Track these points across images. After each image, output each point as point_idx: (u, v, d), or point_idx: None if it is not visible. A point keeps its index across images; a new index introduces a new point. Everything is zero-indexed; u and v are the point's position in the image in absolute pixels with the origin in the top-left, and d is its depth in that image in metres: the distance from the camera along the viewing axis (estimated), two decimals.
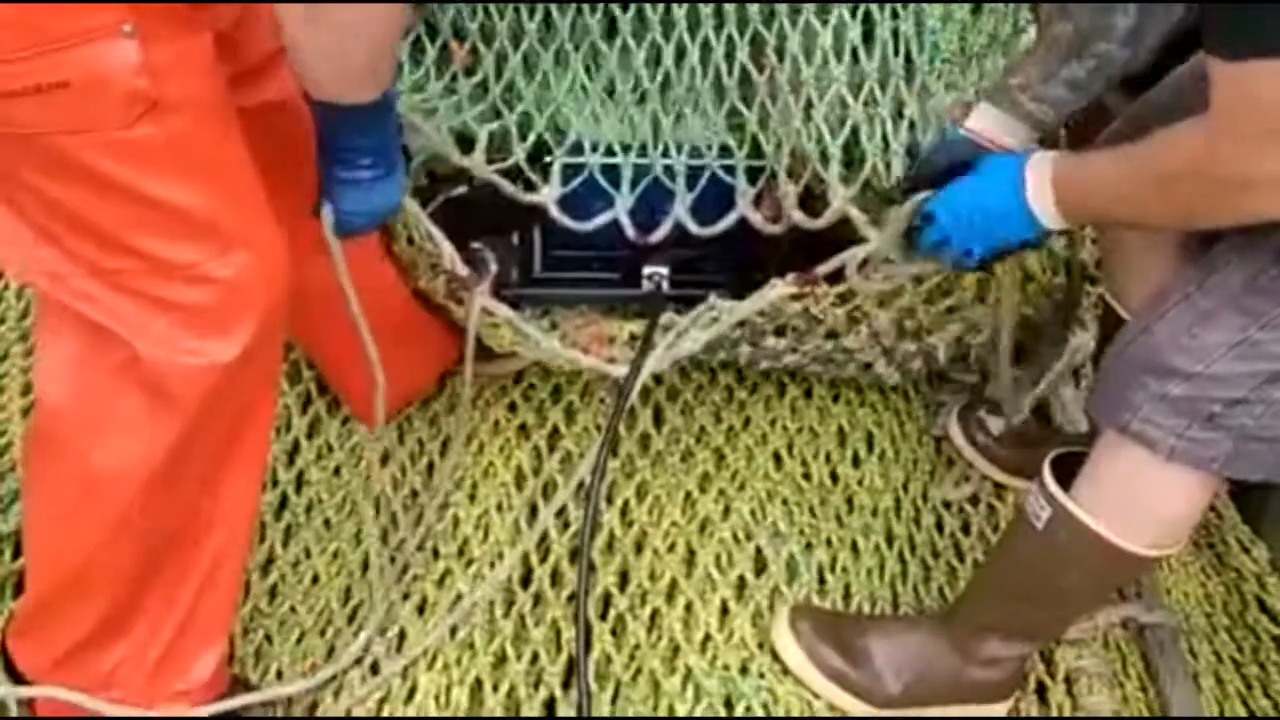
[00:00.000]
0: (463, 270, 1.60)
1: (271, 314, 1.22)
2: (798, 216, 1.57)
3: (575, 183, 1.60)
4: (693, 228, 1.60)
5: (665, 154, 1.63)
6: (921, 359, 1.76)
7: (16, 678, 1.39)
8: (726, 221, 1.60)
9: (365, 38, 1.10)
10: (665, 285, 1.67)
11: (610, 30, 1.68)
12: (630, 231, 1.59)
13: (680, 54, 1.66)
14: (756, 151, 1.63)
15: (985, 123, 1.42)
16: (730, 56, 1.67)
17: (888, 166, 1.58)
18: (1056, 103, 1.39)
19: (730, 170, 1.62)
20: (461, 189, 1.64)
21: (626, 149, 1.63)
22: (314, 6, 1.05)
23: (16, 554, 1.54)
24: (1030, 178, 1.27)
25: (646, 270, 1.65)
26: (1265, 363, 1.20)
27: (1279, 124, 1.03)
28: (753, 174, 1.62)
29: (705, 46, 1.66)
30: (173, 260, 1.15)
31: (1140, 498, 1.32)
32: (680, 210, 1.59)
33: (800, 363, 1.77)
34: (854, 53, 1.64)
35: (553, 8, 1.68)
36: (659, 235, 1.59)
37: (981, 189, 1.32)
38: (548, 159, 1.60)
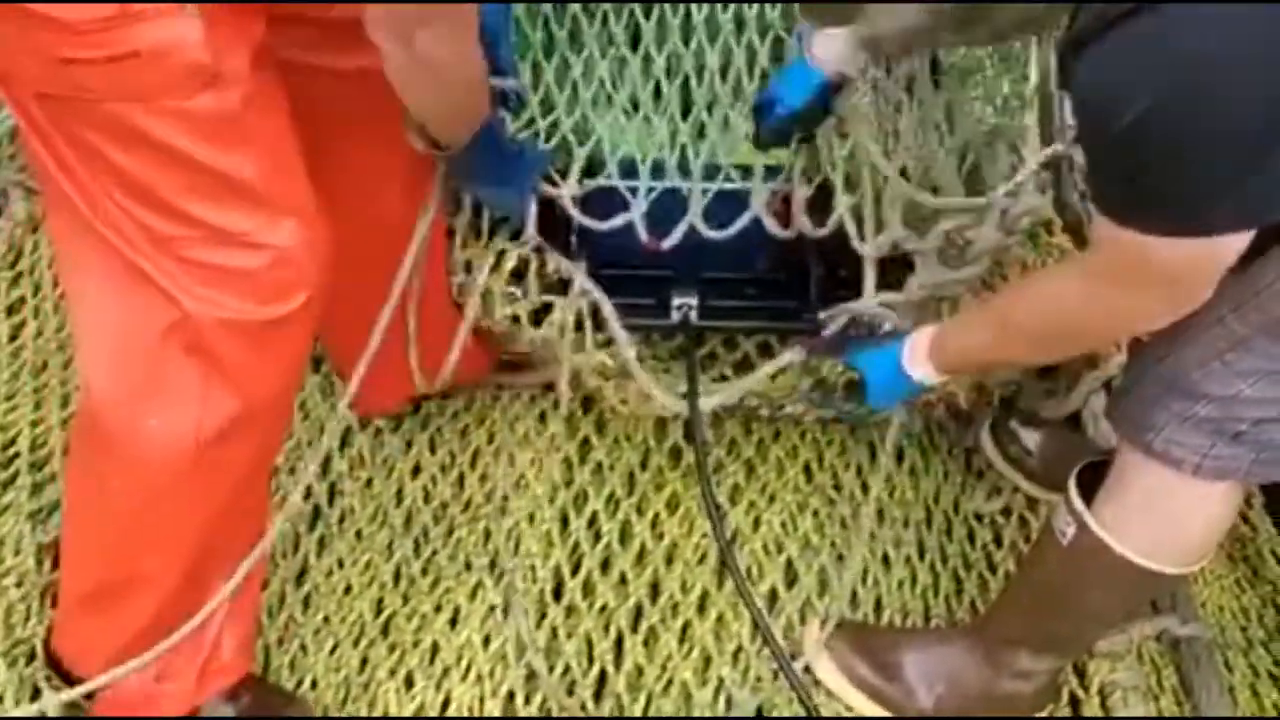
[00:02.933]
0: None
1: (319, 282, 1.26)
2: (804, 223, 1.59)
3: (598, 180, 1.61)
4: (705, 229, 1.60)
5: (684, 163, 1.64)
6: (943, 407, 1.75)
7: (69, 681, 1.42)
8: (741, 222, 1.60)
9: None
10: (694, 316, 1.65)
11: (635, 39, 1.69)
12: (643, 235, 1.59)
13: (700, 62, 1.67)
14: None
15: (827, 48, 1.46)
16: (751, 64, 1.67)
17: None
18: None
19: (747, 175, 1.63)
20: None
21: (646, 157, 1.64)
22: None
23: (56, 564, 1.56)
24: (906, 353, 1.40)
25: (676, 301, 1.65)
26: None
27: (1155, 277, 1.09)
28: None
29: (726, 52, 1.66)
30: (225, 227, 1.19)
31: (1164, 515, 1.31)
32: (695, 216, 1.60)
33: (823, 416, 1.78)
34: None
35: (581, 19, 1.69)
36: (673, 240, 1.59)
37: (869, 362, 1.45)
38: (586, 175, 1.61)
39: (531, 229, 1.59)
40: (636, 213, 1.59)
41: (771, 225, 1.60)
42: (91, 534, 1.38)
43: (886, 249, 1.57)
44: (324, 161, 1.42)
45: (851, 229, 1.57)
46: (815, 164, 1.63)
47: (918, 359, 1.39)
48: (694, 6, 1.68)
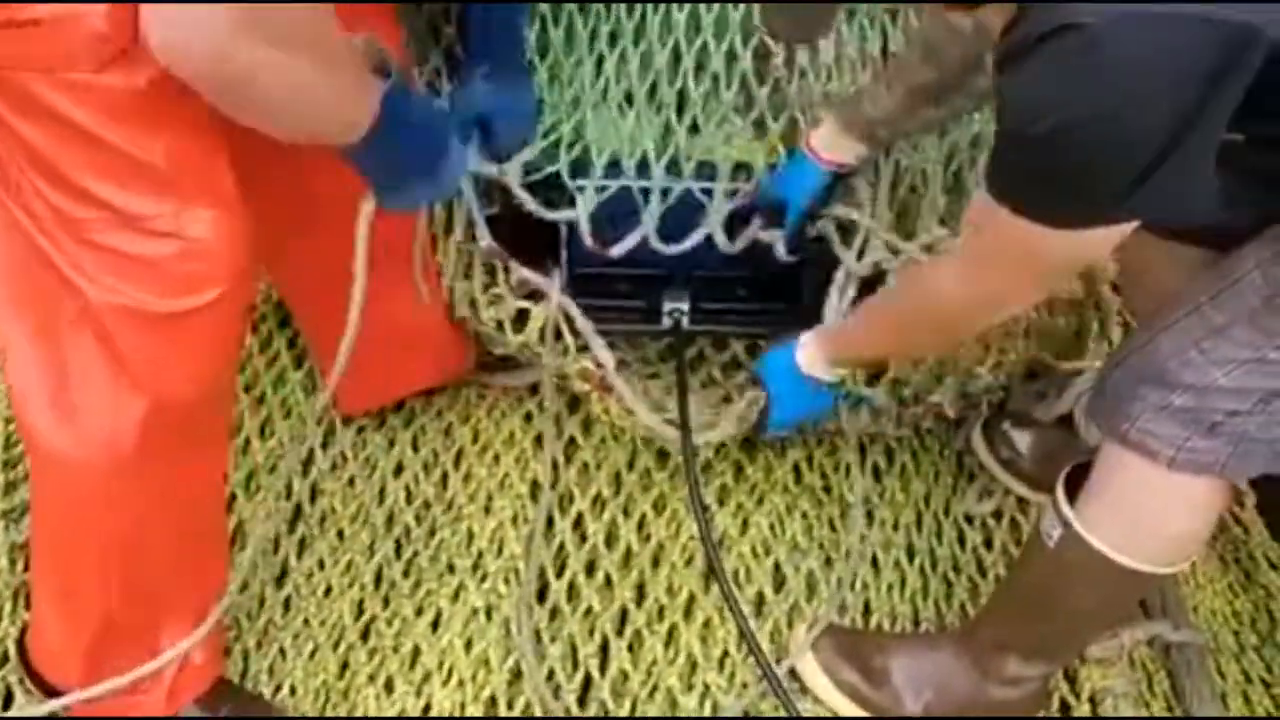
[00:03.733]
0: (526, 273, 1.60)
1: (235, 278, 1.21)
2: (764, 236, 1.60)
3: (604, 197, 1.59)
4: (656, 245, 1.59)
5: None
6: (931, 416, 1.73)
7: (42, 683, 1.41)
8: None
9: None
10: (685, 321, 1.64)
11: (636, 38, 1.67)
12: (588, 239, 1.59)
13: (701, 64, 1.64)
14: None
15: (831, 147, 1.53)
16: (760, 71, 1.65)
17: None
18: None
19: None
20: (493, 209, 1.61)
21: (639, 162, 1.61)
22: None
23: (28, 564, 1.53)
24: (800, 357, 1.50)
25: (667, 306, 1.63)
26: (1274, 380, 1.18)
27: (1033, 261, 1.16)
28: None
29: (731, 56, 1.64)
30: (130, 210, 1.14)
31: (1144, 512, 1.30)
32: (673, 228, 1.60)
33: (810, 429, 1.76)
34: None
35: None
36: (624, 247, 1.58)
37: (770, 369, 1.55)
38: (578, 181, 1.59)
39: (486, 239, 1.57)
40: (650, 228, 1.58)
41: (723, 241, 1.59)
42: (39, 536, 1.36)
43: (869, 269, 1.58)
44: (290, 159, 1.38)
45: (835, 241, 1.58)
46: None
47: (812, 357, 1.49)
48: (674, 8, 1.65)
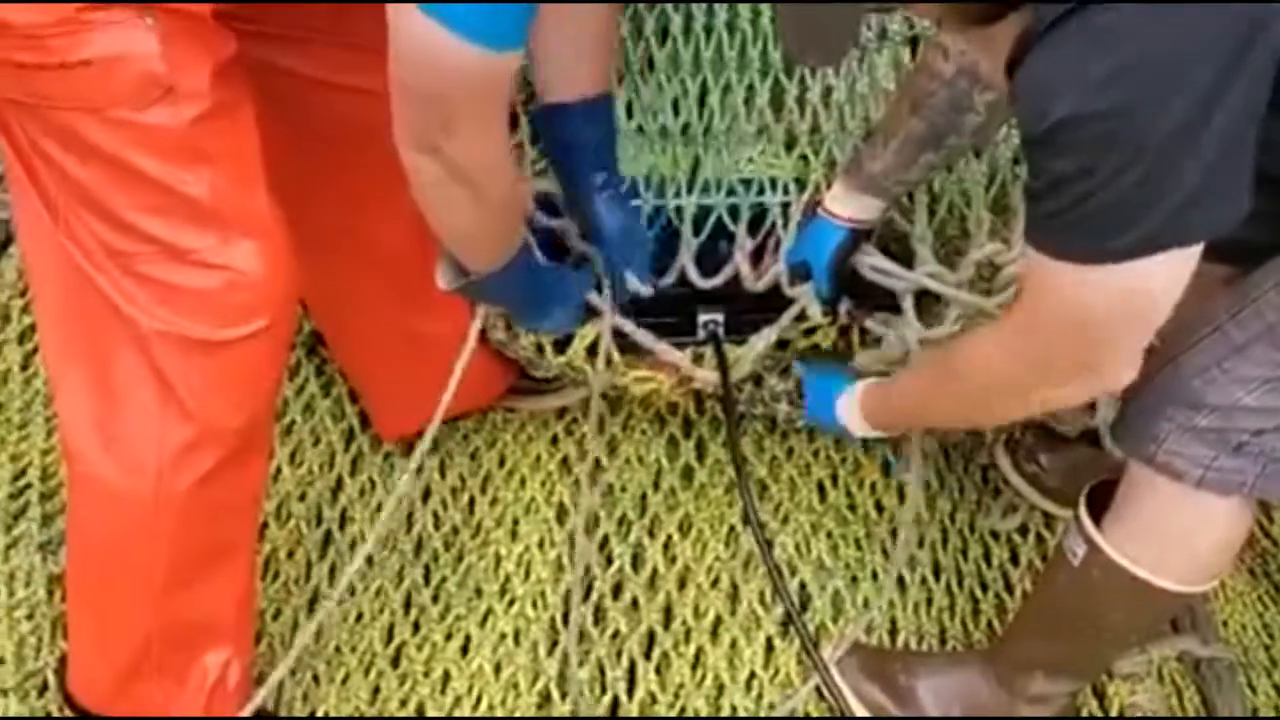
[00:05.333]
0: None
1: (280, 308, 1.25)
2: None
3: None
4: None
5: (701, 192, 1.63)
6: (962, 432, 1.73)
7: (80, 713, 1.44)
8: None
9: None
10: (721, 332, 1.63)
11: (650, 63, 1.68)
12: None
13: (726, 91, 1.66)
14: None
15: (844, 205, 1.52)
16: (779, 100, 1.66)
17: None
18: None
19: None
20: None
21: (649, 185, 1.63)
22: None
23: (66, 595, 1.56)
24: (841, 403, 1.49)
25: (702, 317, 1.63)
26: None
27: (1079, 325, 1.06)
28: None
29: (750, 88, 1.65)
30: (177, 245, 1.18)
31: (1170, 530, 1.30)
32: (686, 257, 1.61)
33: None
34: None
35: None
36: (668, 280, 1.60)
37: (811, 393, 1.57)
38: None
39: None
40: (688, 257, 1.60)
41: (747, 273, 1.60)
42: (77, 563, 1.39)
43: (919, 284, 1.57)
44: (336, 184, 1.42)
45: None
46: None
47: (851, 408, 1.47)
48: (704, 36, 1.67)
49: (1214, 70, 0.91)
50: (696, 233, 1.61)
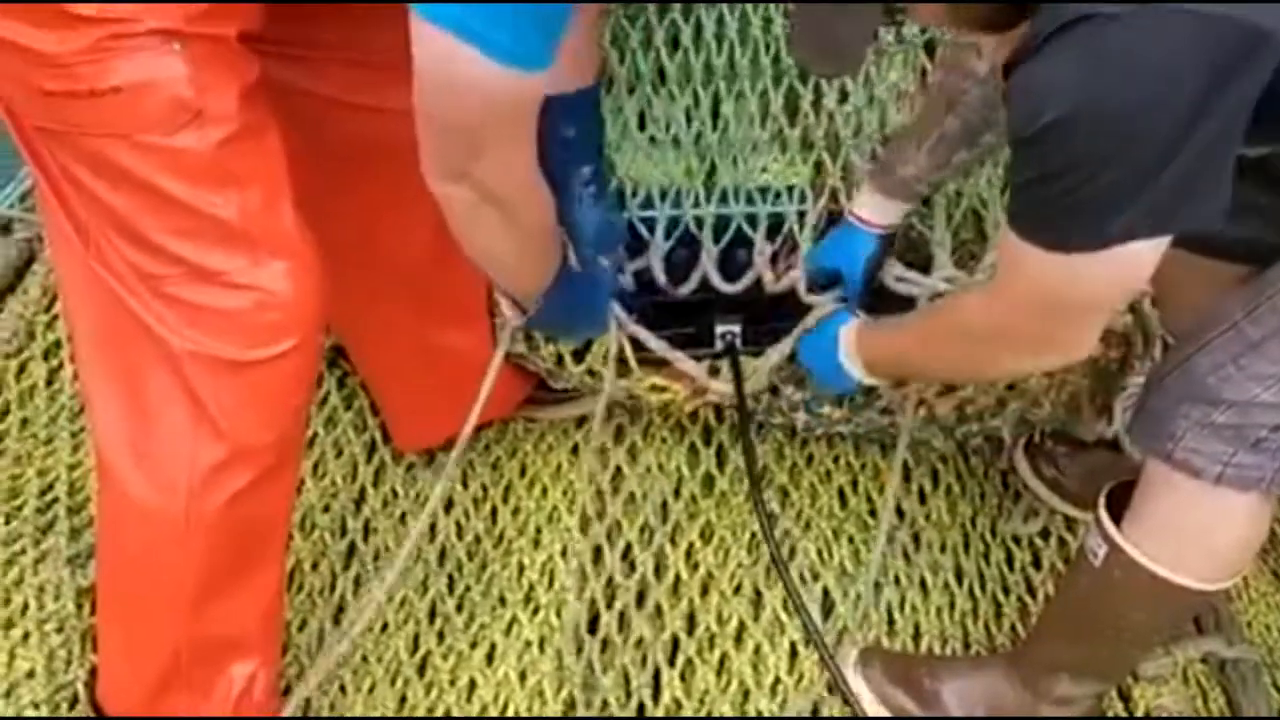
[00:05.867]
0: None
1: (310, 328, 1.26)
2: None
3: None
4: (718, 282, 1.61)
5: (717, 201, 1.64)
6: (983, 438, 1.74)
7: None
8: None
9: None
10: (739, 343, 1.64)
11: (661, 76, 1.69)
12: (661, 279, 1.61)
13: (739, 99, 1.67)
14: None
15: (876, 212, 1.52)
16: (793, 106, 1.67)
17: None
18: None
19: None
20: None
21: (664, 196, 1.64)
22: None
23: (95, 608, 1.57)
24: (843, 340, 1.47)
25: (719, 329, 1.64)
26: None
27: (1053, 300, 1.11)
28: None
29: (764, 96, 1.66)
30: (207, 266, 1.20)
31: (1190, 528, 1.31)
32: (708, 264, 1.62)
33: (854, 432, 1.77)
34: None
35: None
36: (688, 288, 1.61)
37: (811, 349, 1.55)
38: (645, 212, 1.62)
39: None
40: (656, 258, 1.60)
41: (769, 279, 1.61)
42: (108, 578, 1.40)
43: (936, 290, 1.58)
44: (357, 201, 1.44)
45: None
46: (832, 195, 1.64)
47: (850, 352, 1.46)
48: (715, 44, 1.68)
49: (1204, 80, 0.94)
50: (715, 241, 1.62)
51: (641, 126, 1.67)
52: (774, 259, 1.61)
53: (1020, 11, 1.01)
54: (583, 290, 1.51)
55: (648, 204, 1.64)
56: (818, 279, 1.58)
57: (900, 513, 1.78)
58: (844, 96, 1.68)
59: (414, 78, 1.09)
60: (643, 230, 1.63)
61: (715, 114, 1.69)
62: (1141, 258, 1.05)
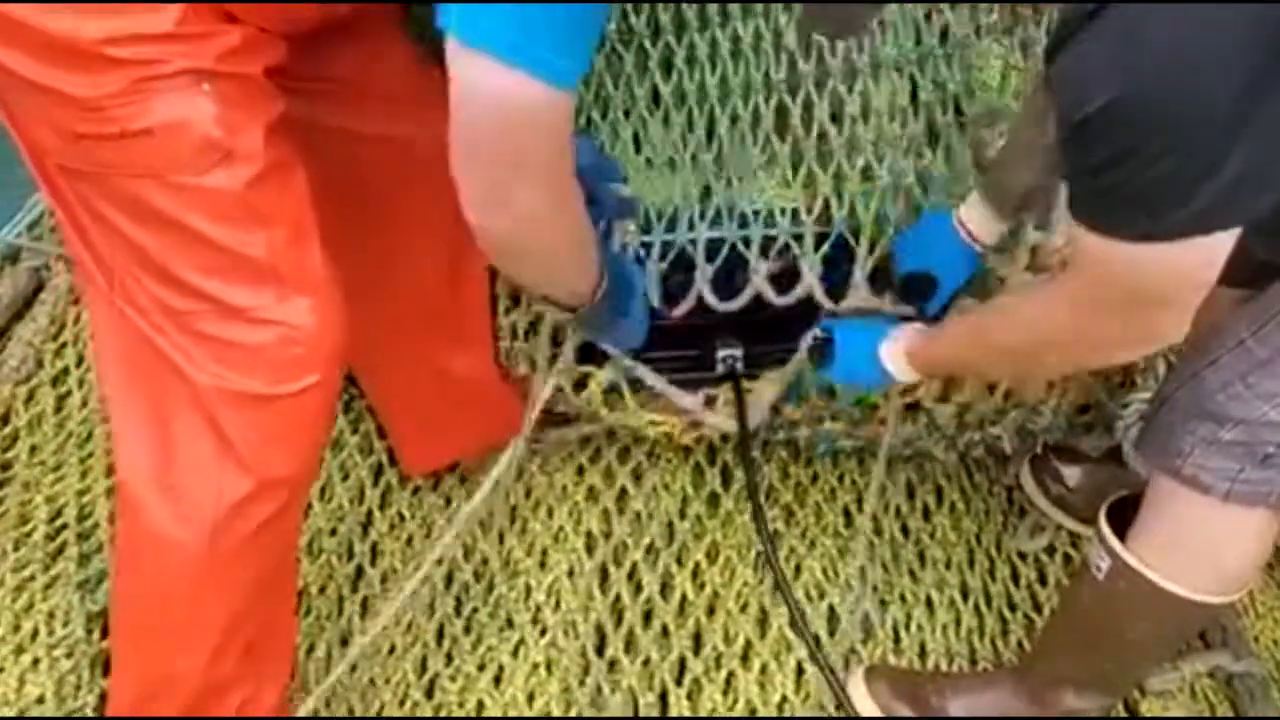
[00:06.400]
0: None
1: (333, 363, 1.27)
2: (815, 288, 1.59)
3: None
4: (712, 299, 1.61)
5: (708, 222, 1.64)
6: (983, 448, 1.75)
7: None
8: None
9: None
10: (740, 366, 1.64)
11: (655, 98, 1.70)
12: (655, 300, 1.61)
13: (734, 119, 1.68)
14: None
15: (985, 230, 1.49)
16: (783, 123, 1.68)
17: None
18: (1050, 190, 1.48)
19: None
20: None
21: (660, 217, 1.64)
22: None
23: (105, 633, 1.58)
24: (886, 344, 1.42)
25: (721, 353, 1.64)
26: None
27: (1126, 295, 1.07)
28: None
29: (756, 113, 1.67)
30: (234, 304, 1.20)
31: (1197, 543, 1.31)
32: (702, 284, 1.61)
33: (856, 448, 1.77)
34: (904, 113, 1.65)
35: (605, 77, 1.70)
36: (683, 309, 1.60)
37: (847, 346, 1.48)
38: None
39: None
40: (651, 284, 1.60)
41: (771, 294, 1.60)
42: (124, 609, 1.39)
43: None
44: (368, 229, 1.45)
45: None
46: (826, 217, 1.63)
47: (896, 353, 1.41)
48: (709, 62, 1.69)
49: (1255, 61, 0.90)
50: (709, 260, 1.62)
51: (637, 150, 1.68)
52: (775, 280, 1.61)
53: None
54: (619, 282, 1.46)
55: (645, 228, 1.64)
56: (908, 283, 1.53)
57: (905, 530, 1.79)
58: (835, 115, 1.68)
59: (453, 109, 1.06)
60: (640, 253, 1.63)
61: (710, 135, 1.70)
62: (1213, 250, 1.00)
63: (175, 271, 1.19)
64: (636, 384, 1.65)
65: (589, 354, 1.63)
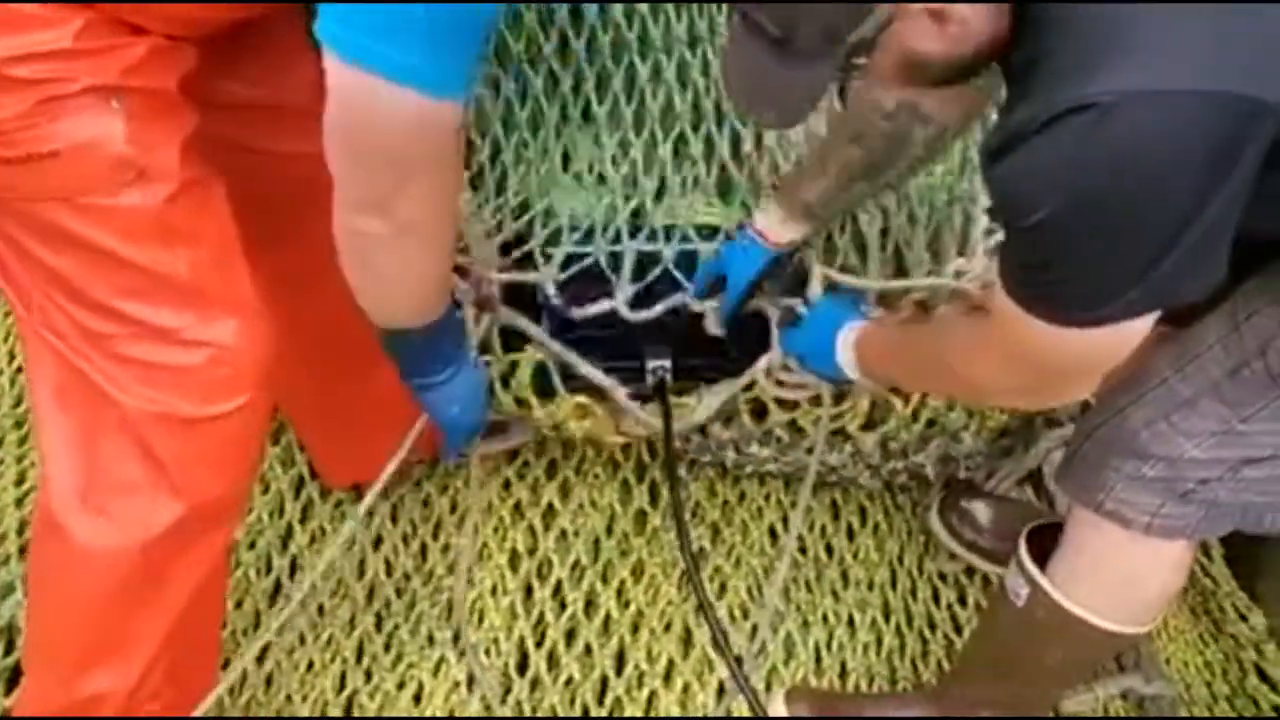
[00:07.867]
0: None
1: (261, 382, 1.24)
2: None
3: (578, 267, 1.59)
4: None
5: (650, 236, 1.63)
6: (907, 475, 1.76)
7: None
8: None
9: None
10: (669, 379, 1.63)
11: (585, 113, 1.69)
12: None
13: (668, 135, 1.67)
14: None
15: (777, 230, 1.50)
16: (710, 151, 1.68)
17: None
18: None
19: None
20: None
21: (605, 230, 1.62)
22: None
23: (9, 649, 1.54)
24: (840, 338, 1.43)
25: (650, 364, 1.63)
26: (1244, 450, 1.21)
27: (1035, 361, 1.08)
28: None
29: (690, 132, 1.67)
30: (157, 325, 1.17)
31: (1116, 574, 1.33)
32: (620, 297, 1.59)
33: (783, 472, 1.78)
34: None
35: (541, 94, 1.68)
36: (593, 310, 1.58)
37: (811, 330, 1.50)
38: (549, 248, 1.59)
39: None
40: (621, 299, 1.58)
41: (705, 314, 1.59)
42: (44, 628, 1.35)
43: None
44: (284, 244, 1.42)
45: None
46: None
47: (849, 342, 1.43)
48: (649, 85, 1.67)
49: (1209, 162, 0.90)
50: (635, 278, 1.60)
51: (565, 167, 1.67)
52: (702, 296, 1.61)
53: (971, 69, 0.99)
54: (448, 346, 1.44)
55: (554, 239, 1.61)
56: (702, 283, 1.56)
57: (829, 550, 1.80)
58: (758, 140, 1.68)
59: (328, 109, 1.06)
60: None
61: (642, 154, 1.69)
62: (1134, 329, 1.01)
63: (94, 295, 1.15)
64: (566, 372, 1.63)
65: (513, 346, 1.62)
